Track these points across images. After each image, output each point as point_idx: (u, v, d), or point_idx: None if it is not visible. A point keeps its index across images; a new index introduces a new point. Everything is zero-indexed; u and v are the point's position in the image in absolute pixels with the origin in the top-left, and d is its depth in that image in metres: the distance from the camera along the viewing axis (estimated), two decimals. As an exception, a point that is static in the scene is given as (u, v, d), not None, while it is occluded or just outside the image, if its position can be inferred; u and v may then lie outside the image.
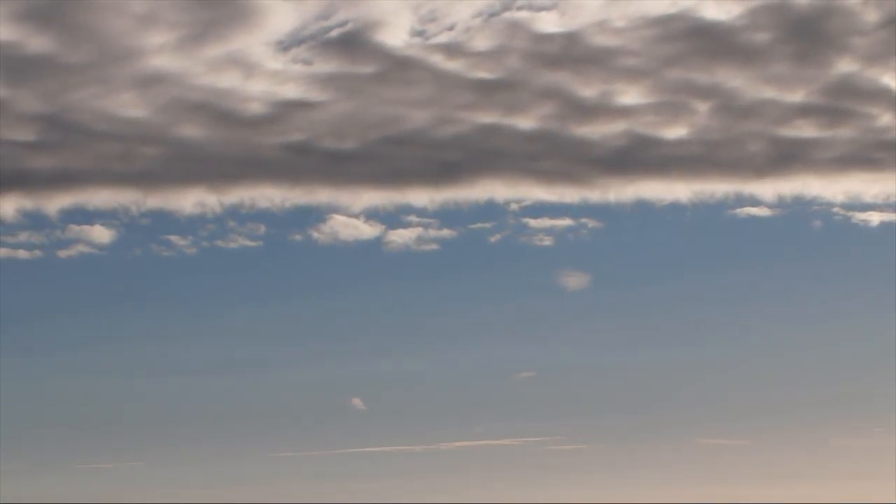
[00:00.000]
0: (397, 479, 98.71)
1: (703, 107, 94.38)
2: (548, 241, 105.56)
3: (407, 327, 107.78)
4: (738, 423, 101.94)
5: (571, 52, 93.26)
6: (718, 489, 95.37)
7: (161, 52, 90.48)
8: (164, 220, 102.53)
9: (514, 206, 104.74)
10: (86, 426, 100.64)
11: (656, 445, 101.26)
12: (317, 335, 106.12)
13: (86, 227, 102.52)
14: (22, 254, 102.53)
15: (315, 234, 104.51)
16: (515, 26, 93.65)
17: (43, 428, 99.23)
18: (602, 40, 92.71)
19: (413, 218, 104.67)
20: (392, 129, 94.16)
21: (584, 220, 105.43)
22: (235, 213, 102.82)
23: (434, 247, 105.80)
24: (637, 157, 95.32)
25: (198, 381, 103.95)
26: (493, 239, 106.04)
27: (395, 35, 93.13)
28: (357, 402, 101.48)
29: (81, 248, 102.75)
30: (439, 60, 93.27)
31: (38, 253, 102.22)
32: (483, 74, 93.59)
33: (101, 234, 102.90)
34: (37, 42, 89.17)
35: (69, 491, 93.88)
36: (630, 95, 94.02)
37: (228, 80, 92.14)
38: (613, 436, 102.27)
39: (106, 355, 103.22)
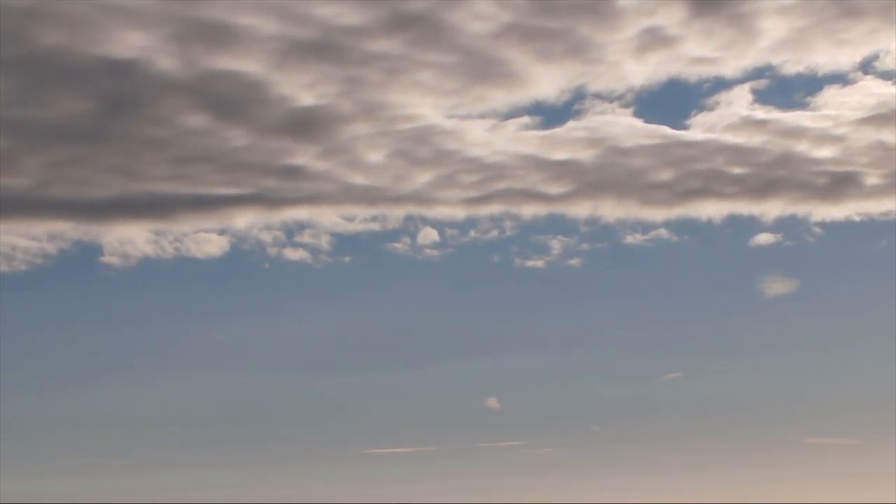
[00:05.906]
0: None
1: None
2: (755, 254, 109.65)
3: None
4: (847, 423, 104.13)
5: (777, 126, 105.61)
6: (826, 489, 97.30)
7: (427, 113, 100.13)
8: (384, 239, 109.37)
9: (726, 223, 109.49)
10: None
11: (764, 444, 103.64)
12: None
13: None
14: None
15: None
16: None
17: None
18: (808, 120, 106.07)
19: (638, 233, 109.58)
20: (608, 173, 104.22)
21: (795, 239, 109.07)
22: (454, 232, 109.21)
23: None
24: (840, 190, 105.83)
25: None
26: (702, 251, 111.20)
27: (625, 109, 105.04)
28: (492, 401, 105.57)
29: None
30: (659, 130, 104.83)
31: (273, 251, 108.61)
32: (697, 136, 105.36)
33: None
34: (332, 107, 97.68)
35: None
36: (830, 150, 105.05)
37: (478, 135, 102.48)
38: (718, 435, 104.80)
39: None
